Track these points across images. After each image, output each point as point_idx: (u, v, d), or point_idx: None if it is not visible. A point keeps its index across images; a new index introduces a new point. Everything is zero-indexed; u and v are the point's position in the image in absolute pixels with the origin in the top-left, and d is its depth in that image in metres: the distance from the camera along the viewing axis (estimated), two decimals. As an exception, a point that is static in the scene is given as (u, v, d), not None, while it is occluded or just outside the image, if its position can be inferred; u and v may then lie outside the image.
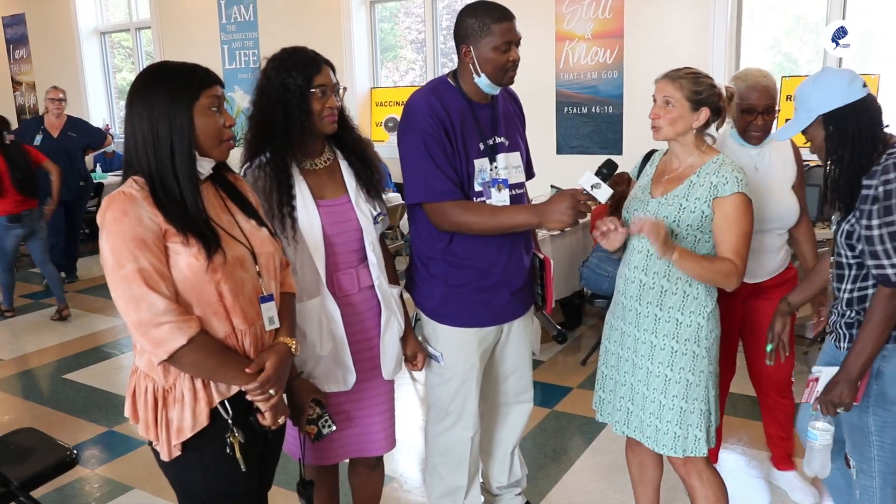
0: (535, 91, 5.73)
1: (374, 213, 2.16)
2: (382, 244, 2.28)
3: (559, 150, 5.93)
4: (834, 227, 2.03)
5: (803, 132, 2.01)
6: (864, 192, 1.86)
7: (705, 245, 2.13)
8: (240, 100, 7.54)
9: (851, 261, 1.97)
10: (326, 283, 2.07)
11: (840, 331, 2.04)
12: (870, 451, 2.00)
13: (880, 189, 1.82)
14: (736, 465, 3.24)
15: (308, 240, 2.03)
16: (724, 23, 5.18)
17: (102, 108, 9.34)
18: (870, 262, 1.87)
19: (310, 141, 2.08)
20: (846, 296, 2.01)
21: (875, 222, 1.83)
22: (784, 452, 3.00)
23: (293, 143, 2.03)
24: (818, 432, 2.01)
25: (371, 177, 2.17)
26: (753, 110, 2.55)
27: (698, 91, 2.09)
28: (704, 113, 2.11)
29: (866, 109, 1.90)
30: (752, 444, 3.37)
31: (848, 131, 1.89)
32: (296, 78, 1.98)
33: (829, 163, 1.95)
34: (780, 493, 2.95)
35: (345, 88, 2.12)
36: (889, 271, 1.83)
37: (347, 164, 2.16)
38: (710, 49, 5.20)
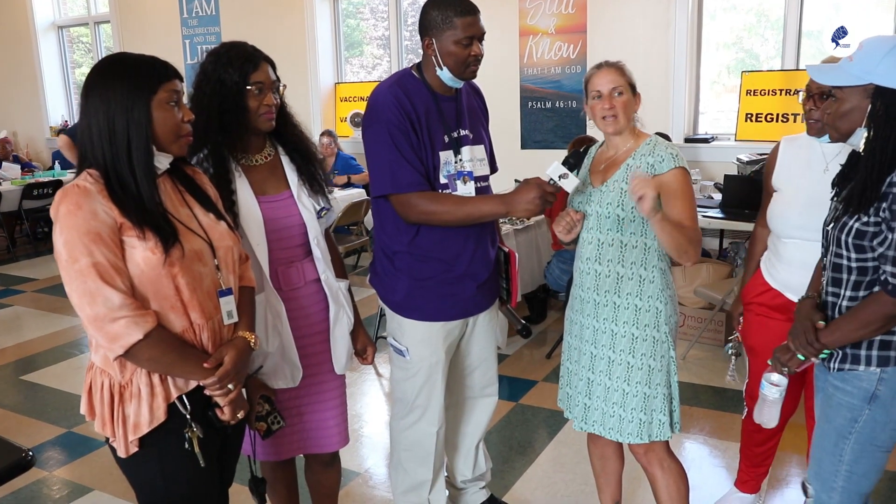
0: (499, 86, 5.75)
1: (318, 208, 2.14)
2: (329, 239, 2.26)
3: (523, 145, 5.95)
4: (831, 223, 1.81)
5: (836, 87, 1.74)
6: (894, 189, 1.62)
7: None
8: (202, 95, 7.43)
9: (854, 264, 1.75)
10: (271, 278, 2.05)
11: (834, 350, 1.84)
12: (835, 480, 1.86)
13: None
14: (698, 454, 3.29)
15: (250, 236, 2.01)
16: (685, 19, 5.25)
17: (61, 104, 9.16)
18: (888, 268, 1.66)
19: (248, 137, 2.06)
20: (844, 303, 1.80)
21: None
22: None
23: (231, 140, 2.01)
24: (768, 385, 1.97)
25: (314, 172, 2.16)
26: (809, 93, 2.25)
27: (632, 76, 2.18)
28: (639, 98, 2.18)
29: None
30: (714, 433, 3.42)
31: None
32: (232, 74, 1.95)
33: (866, 143, 1.68)
34: (741, 482, 3.00)
35: (284, 86, 2.09)
36: None
37: (289, 159, 2.14)
38: (671, 44, 5.27)
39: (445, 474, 2.71)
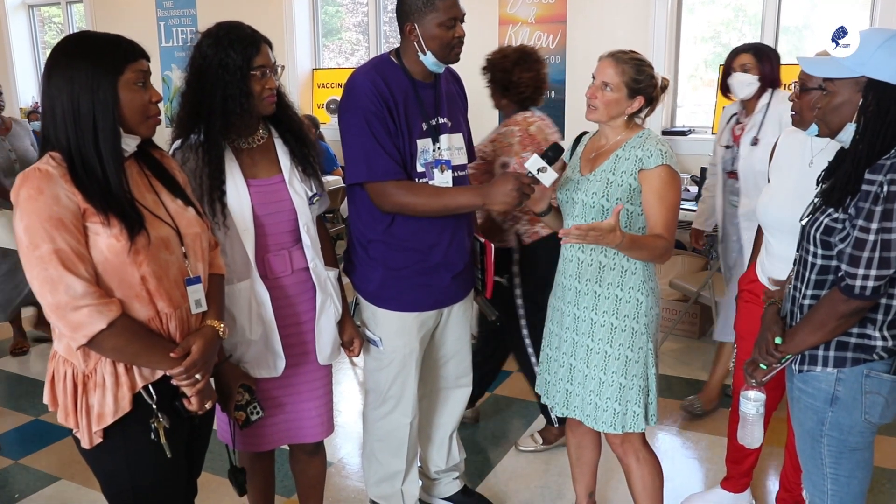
0: (479, 75, 5.71)
1: (310, 194, 2.10)
2: (321, 226, 2.23)
3: (502, 135, 5.92)
4: (806, 219, 1.79)
5: (827, 80, 1.69)
6: (865, 187, 1.58)
7: (638, 218, 2.15)
8: (177, 79, 7.32)
9: (819, 261, 1.73)
10: (256, 265, 2.01)
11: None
12: (823, 483, 1.84)
13: (886, 188, 1.55)
14: (671, 445, 3.30)
15: (237, 221, 1.97)
16: (665, 12, 5.25)
17: (31, 86, 8.96)
18: (844, 266, 1.63)
19: (246, 120, 2.01)
20: (806, 302, 1.79)
21: (874, 225, 1.57)
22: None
23: (229, 123, 1.96)
24: (745, 401, 1.96)
25: (306, 154, 2.11)
26: (797, 85, 2.21)
27: (638, 79, 2.10)
28: (638, 101, 2.12)
29: None
30: (686, 425, 3.44)
31: (889, 115, 1.58)
32: (235, 58, 1.90)
33: (856, 139, 1.64)
34: (713, 473, 3.02)
35: (282, 67, 2.06)
36: (857, 282, 1.61)
37: (282, 141, 2.09)
38: (650, 37, 5.25)
39: (419, 464, 2.70)
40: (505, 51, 3.09)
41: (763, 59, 3.22)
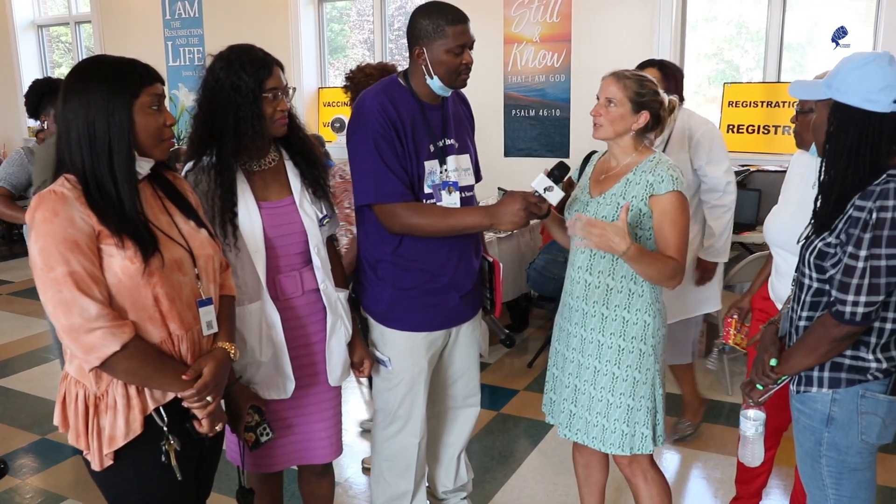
0: (483, 93, 5.74)
1: (320, 216, 2.12)
2: (330, 247, 2.24)
3: (507, 153, 5.94)
4: (802, 242, 1.81)
5: (815, 101, 1.76)
6: (854, 213, 1.60)
7: (646, 243, 2.15)
8: (184, 98, 7.37)
9: (814, 283, 1.73)
10: (267, 286, 2.02)
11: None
12: None
13: (874, 214, 1.56)
14: (680, 465, 3.28)
15: (248, 242, 1.98)
16: (669, 29, 5.28)
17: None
18: (835, 292, 1.65)
19: (258, 142, 2.03)
20: (801, 323, 1.80)
21: (863, 252, 1.58)
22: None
23: (241, 145, 1.98)
24: (745, 420, 1.97)
25: (317, 177, 2.13)
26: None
27: (641, 94, 2.12)
28: (644, 116, 2.13)
29: (877, 128, 1.59)
30: (691, 443, 3.42)
31: (847, 138, 1.62)
32: (247, 81, 1.92)
33: (823, 161, 1.69)
34: (722, 494, 3.00)
35: (294, 89, 2.08)
36: (847, 308, 1.62)
37: (293, 164, 2.11)
38: (654, 55, 5.28)
39: (427, 485, 2.69)
40: (366, 69, 3.15)
41: (668, 76, 3.19)
